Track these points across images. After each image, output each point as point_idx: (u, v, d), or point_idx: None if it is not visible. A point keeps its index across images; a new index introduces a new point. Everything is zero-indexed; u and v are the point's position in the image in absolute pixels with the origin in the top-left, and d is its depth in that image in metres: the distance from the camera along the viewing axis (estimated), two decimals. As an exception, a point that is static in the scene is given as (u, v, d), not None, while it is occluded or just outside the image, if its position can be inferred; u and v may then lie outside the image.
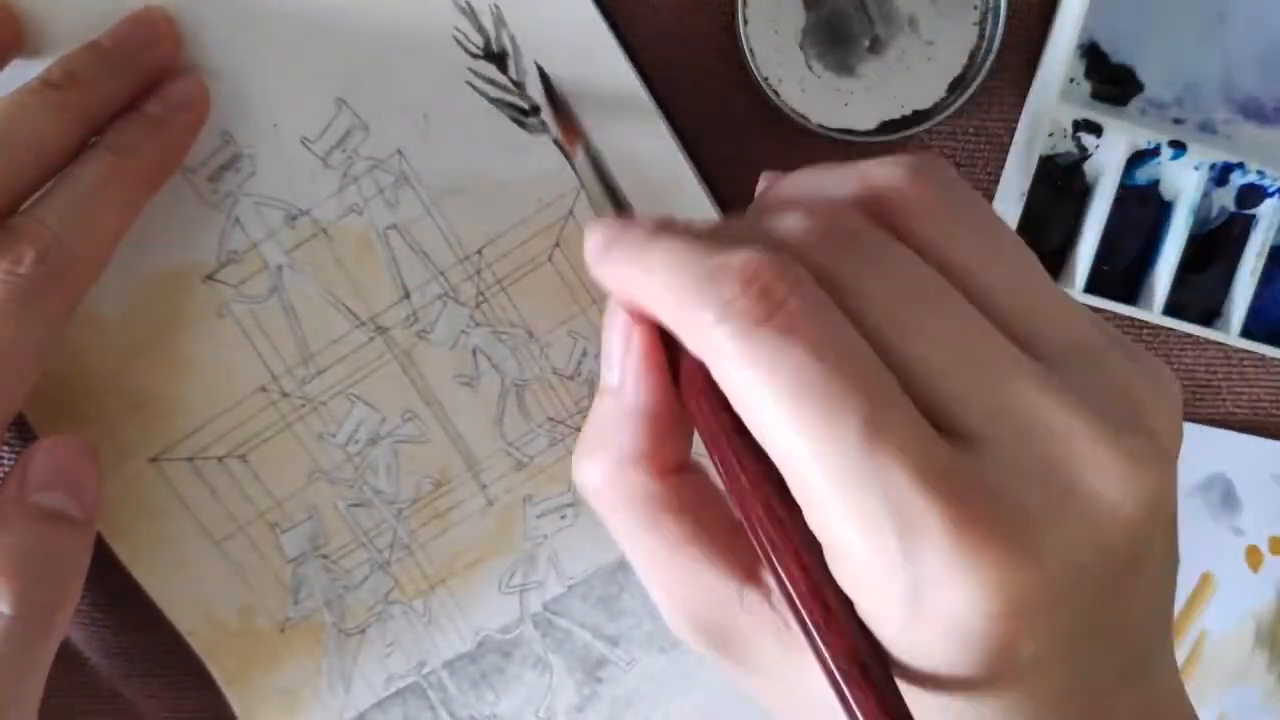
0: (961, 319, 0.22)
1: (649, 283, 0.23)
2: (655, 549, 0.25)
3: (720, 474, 0.23)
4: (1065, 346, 0.22)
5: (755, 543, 0.22)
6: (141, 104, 0.33)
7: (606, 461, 0.25)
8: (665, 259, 0.23)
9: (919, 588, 0.20)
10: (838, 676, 0.20)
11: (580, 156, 0.32)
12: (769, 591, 0.24)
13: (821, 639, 0.21)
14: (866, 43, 0.36)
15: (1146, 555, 0.22)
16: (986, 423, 0.21)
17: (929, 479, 0.20)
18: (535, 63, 0.34)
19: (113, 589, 0.38)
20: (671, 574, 0.25)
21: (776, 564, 0.22)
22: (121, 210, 0.32)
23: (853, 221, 0.23)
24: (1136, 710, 0.23)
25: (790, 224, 0.23)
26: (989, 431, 0.21)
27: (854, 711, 0.20)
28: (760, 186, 0.29)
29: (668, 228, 0.24)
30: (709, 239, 0.23)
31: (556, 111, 0.34)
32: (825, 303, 0.21)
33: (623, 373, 0.25)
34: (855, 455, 0.20)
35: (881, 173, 0.24)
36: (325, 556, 0.37)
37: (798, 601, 0.21)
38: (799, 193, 0.25)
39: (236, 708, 0.38)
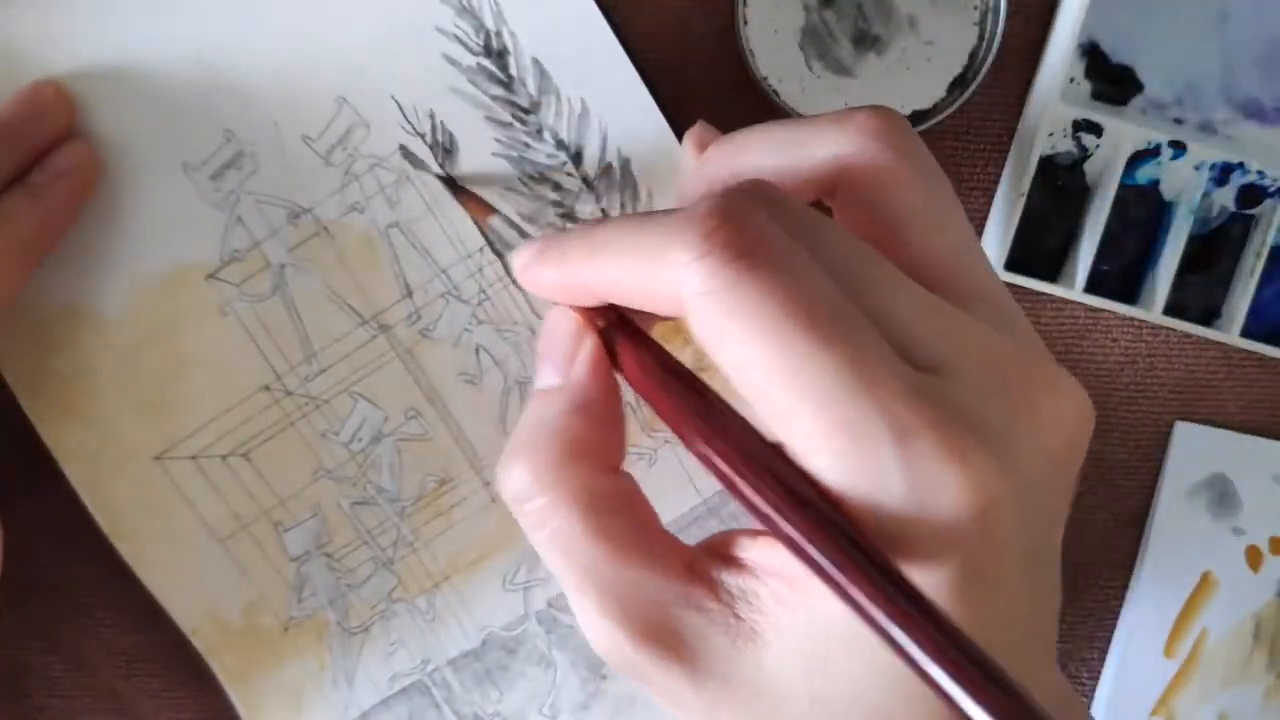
0: (902, 277, 0.23)
1: (601, 259, 0.24)
2: (598, 557, 0.24)
3: (694, 445, 0.23)
4: (984, 303, 0.25)
5: (744, 493, 0.22)
6: (26, 174, 0.33)
7: (545, 460, 0.24)
8: (618, 232, 0.23)
9: (912, 492, 0.21)
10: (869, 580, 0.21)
11: (496, 222, 0.34)
12: (716, 586, 0.24)
13: (840, 567, 0.21)
14: (849, 43, 0.36)
15: (1067, 486, 0.24)
16: (947, 355, 0.22)
17: (915, 393, 0.21)
18: (440, 174, 0.36)
19: (114, 588, 0.38)
20: (617, 582, 0.24)
21: (773, 512, 0.21)
22: (2, 278, 0.32)
23: (790, 197, 0.24)
24: (1052, 683, 0.25)
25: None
26: (950, 361, 0.22)
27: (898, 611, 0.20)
28: (692, 142, 0.30)
29: (602, 219, 0.24)
30: (656, 212, 0.24)
31: (463, 196, 0.35)
32: (795, 243, 0.22)
33: (573, 368, 0.25)
34: (850, 375, 0.21)
35: (844, 145, 0.25)
36: (329, 555, 0.37)
37: (800, 539, 0.21)
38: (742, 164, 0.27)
39: (239, 707, 0.38)
